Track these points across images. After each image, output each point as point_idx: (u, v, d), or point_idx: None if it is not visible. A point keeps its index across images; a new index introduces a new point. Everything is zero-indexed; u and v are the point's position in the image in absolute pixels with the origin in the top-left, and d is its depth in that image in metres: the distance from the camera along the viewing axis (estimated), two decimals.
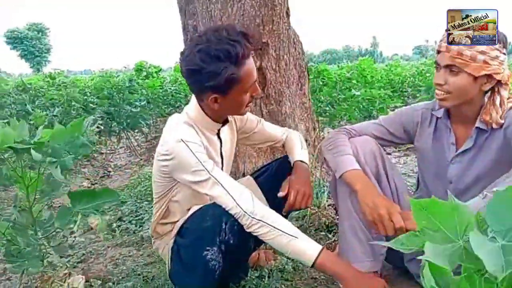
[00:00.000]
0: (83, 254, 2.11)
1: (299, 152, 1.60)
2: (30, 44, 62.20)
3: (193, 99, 1.42)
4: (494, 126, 1.24)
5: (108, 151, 5.10)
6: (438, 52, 1.27)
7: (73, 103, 3.92)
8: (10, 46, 62.28)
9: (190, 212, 1.41)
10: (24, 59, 63.11)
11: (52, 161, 0.82)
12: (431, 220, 0.51)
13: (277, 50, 2.36)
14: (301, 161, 1.57)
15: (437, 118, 1.39)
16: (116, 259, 2.02)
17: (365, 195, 1.26)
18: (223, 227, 1.27)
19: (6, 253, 1.12)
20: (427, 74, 6.82)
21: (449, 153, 1.36)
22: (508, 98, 1.25)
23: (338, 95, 4.22)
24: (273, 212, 1.30)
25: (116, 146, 5.19)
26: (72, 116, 4.14)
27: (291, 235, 1.24)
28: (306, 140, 2.78)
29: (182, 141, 1.28)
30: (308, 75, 2.83)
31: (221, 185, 1.28)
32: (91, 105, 3.97)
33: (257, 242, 1.43)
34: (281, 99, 2.44)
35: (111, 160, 4.75)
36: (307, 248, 1.24)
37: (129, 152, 4.96)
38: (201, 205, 1.38)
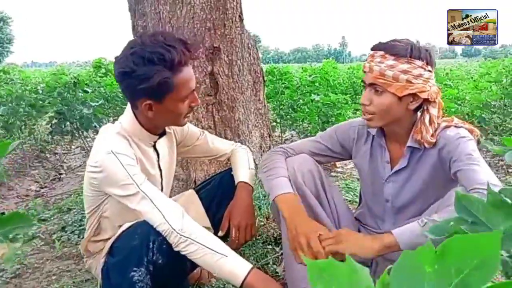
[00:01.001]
0: (18, 268, 1.98)
1: (244, 172, 1.54)
2: None
3: (128, 108, 1.35)
4: (426, 145, 1.21)
5: (62, 151, 4.88)
6: (364, 72, 1.23)
7: (21, 102, 3.70)
8: None
9: (121, 229, 1.33)
10: None
11: None
12: (328, 284, 0.45)
13: (230, 55, 2.29)
14: (244, 182, 1.51)
15: (373, 135, 1.35)
16: (53, 274, 1.90)
17: (290, 223, 1.21)
18: (151, 246, 1.21)
19: None
20: None
21: (384, 172, 1.32)
22: (441, 117, 1.22)
23: (299, 98, 4.20)
24: (203, 230, 1.23)
25: (69, 147, 4.97)
26: (21, 115, 3.92)
27: (220, 254, 1.18)
28: (261, 147, 2.73)
29: (112, 152, 1.22)
30: (264, 80, 2.78)
31: (150, 200, 1.22)
32: (40, 102, 3.75)
33: None
34: (234, 105, 2.38)
35: (65, 161, 4.54)
36: (235, 267, 1.18)
37: (85, 152, 4.76)
38: (133, 222, 1.31)
